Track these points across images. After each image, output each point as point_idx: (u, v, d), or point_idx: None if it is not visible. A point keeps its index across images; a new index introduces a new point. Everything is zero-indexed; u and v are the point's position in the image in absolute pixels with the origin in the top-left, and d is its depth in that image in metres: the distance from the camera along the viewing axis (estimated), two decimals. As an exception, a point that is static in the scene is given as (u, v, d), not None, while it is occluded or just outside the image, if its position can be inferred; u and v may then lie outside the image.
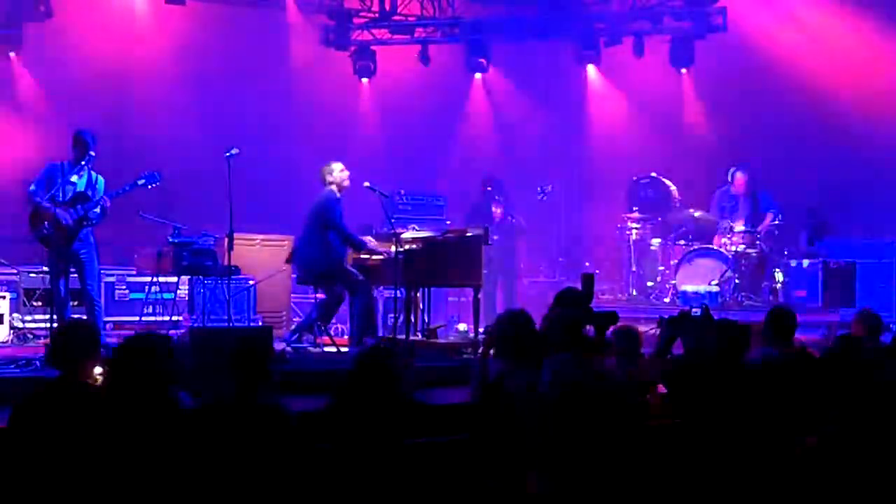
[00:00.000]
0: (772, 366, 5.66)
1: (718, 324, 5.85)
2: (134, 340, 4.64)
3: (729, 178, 11.65)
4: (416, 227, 9.73)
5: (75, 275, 8.22)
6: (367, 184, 9.14)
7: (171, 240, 9.44)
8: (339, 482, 4.51)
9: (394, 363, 4.70)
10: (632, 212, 12.01)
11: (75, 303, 8.47)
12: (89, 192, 8.12)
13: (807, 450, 3.89)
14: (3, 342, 9.13)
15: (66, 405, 4.33)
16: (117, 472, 4.17)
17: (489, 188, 11.67)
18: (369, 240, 9.12)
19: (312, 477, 4.51)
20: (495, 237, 10.55)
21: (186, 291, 10.01)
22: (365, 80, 13.41)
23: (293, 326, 9.31)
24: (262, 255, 10.58)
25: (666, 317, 6.11)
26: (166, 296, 10.00)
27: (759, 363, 5.70)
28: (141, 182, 8.39)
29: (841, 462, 3.87)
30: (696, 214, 11.67)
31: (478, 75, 13.94)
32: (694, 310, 6.12)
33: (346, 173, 9.03)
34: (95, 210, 8.11)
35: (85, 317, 8.09)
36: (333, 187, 8.94)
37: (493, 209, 11.58)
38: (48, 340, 7.94)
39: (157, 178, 8.45)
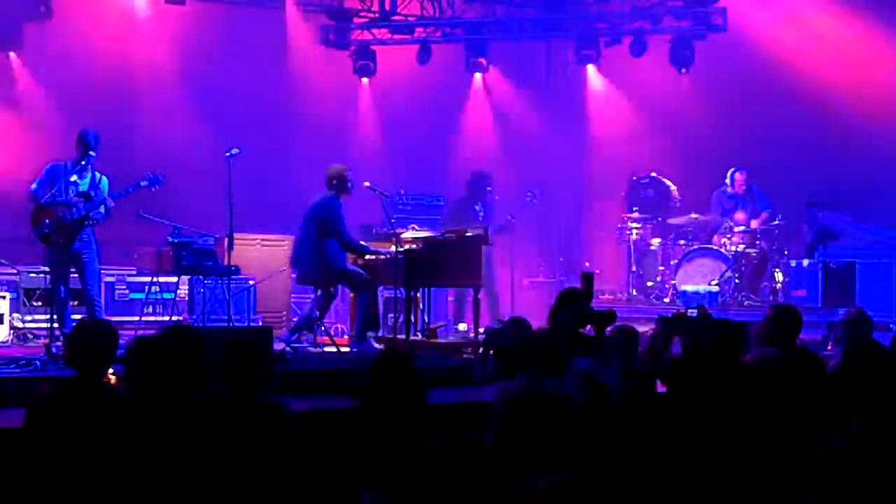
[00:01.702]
0: (771, 366, 5.66)
1: (713, 323, 5.85)
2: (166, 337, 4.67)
3: (728, 181, 11.67)
4: (416, 227, 9.74)
5: (75, 275, 8.22)
6: (367, 184, 9.14)
7: (171, 240, 9.44)
8: (342, 482, 4.52)
9: (414, 366, 4.72)
10: (632, 212, 12.01)
11: (75, 302, 8.47)
12: (92, 193, 8.11)
13: (826, 453, 3.88)
14: (3, 342, 9.14)
15: (84, 405, 4.33)
16: (132, 471, 4.18)
17: (484, 188, 11.60)
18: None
19: (312, 476, 4.51)
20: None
21: (186, 291, 10.02)
22: (365, 79, 13.42)
23: (292, 326, 9.31)
24: (262, 255, 10.58)
25: (663, 316, 6.13)
26: (166, 296, 10.00)
27: (759, 363, 5.70)
28: (144, 184, 8.37)
29: (858, 467, 3.87)
30: (695, 217, 11.66)
31: (478, 75, 13.92)
32: (691, 311, 6.14)
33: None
34: (99, 210, 8.11)
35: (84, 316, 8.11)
36: (334, 191, 8.90)
37: (476, 209, 11.36)
38: (47, 340, 7.95)
39: (161, 181, 8.43)
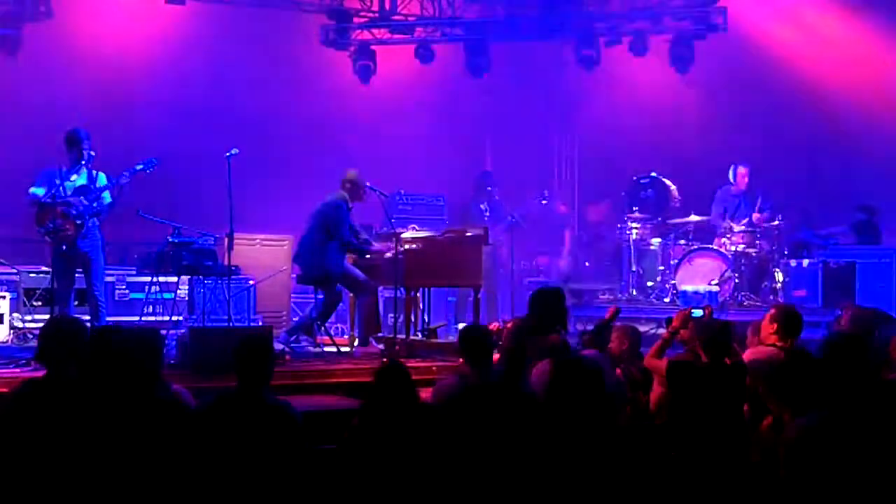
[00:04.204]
0: (769, 365, 5.67)
1: (702, 323, 5.88)
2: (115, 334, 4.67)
3: (731, 177, 11.65)
4: (416, 227, 9.73)
5: (79, 274, 8.22)
6: (367, 184, 9.15)
7: (171, 240, 9.43)
8: (344, 483, 4.53)
9: (409, 377, 4.77)
10: (632, 212, 12.01)
11: (76, 302, 8.47)
12: (91, 185, 8.15)
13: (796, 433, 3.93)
14: (3, 342, 9.14)
15: (54, 403, 4.32)
16: (108, 469, 4.16)
17: (488, 188, 11.61)
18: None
19: (316, 476, 4.52)
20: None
21: (186, 291, 10.01)
22: (365, 80, 13.39)
23: (291, 326, 9.31)
24: (262, 255, 10.58)
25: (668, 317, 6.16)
26: (166, 296, 9.99)
27: (758, 363, 5.71)
28: (139, 167, 8.39)
29: (831, 455, 3.91)
30: (695, 220, 11.65)
31: (478, 75, 13.91)
32: (695, 311, 6.15)
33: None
34: (102, 201, 8.14)
35: (88, 316, 8.12)
36: (345, 192, 8.92)
37: (482, 208, 11.35)
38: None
39: (155, 163, 8.47)
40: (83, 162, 8.12)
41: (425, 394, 5.40)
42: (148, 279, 9.86)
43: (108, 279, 9.90)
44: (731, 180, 11.66)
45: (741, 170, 11.56)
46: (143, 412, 4.29)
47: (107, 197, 8.18)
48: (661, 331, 7.38)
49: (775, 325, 5.88)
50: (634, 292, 11.71)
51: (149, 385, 4.46)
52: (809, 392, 5.39)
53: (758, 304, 10.66)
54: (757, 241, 11.23)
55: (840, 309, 6.93)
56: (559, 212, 12.96)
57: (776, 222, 11.30)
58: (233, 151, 8.35)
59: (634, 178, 12.27)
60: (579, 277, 13.00)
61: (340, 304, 9.28)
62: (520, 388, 5.17)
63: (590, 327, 6.60)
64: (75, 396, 4.33)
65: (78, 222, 8.03)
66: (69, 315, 7.62)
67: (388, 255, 8.88)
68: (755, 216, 11.33)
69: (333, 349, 8.87)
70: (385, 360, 7.94)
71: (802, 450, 3.89)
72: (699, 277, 11.09)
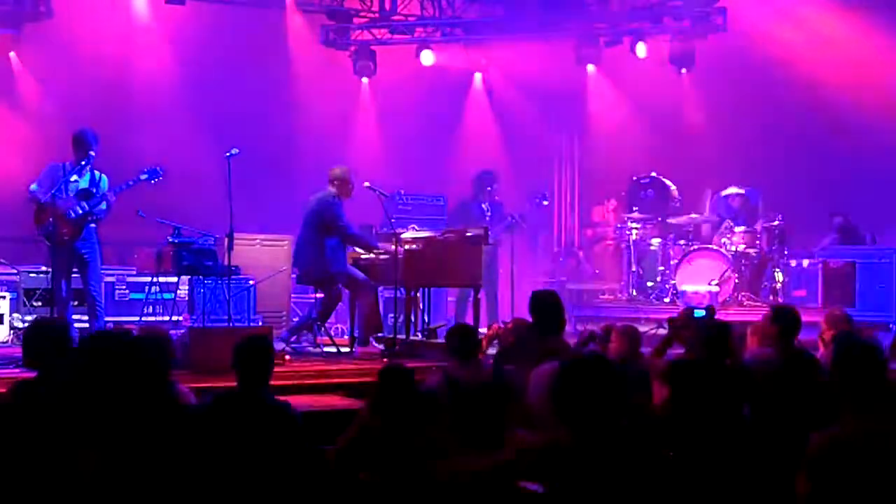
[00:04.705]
0: (769, 366, 5.68)
1: (702, 323, 5.89)
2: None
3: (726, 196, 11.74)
4: (416, 227, 9.73)
5: (76, 275, 8.22)
6: (367, 184, 9.15)
7: (171, 240, 9.43)
8: (346, 483, 4.53)
9: (413, 380, 4.79)
10: (632, 212, 12.01)
11: (75, 302, 8.47)
12: (93, 189, 8.14)
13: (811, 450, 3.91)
14: (3, 342, 9.14)
15: (48, 404, 4.31)
16: (108, 470, 4.16)
17: (489, 188, 11.60)
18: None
19: (317, 476, 4.52)
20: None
21: (186, 291, 10.01)
22: (365, 79, 13.41)
23: (291, 326, 9.31)
24: (262, 255, 10.58)
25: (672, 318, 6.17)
26: (166, 296, 9.99)
27: (757, 364, 5.71)
28: (144, 177, 8.40)
29: (848, 462, 3.90)
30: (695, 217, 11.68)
31: (478, 75, 13.94)
32: (696, 311, 6.15)
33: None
34: (100, 206, 8.13)
35: (86, 316, 8.13)
36: (335, 189, 8.92)
37: (483, 208, 11.34)
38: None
39: (160, 174, 8.46)
40: (84, 163, 8.12)
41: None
42: (148, 279, 9.87)
43: (108, 279, 9.90)
44: (727, 199, 11.74)
45: (735, 197, 11.63)
46: (153, 412, 4.29)
47: (104, 205, 8.16)
48: (661, 331, 7.40)
49: (775, 326, 5.88)
50: (634, 292, 11.72)
51: (159, 385, 4.47)
52: (809, 393, 5.40)
53: (758, 304, 10.66)
54: (757, 241, 11.24)
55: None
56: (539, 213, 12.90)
57: (776, 222, 11.30)
58: (233, 151, 8.36)
59: (634, 178, 12.27)
60: (577, 278, 13.00)
61: (340, 304, 9.28)
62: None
63: (590, 327, 6.60)
64: (69, 397, 4.33)
65: (76, 226, 8.02)
66: (49, 317, 7.63)
67: (384, 255, 8.88)
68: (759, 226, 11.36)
69: (333, 349, 8.87)
70: (386, 360, 7.98)
71: (828, 462, 3.86)
72: (699, 277, 11.09)
